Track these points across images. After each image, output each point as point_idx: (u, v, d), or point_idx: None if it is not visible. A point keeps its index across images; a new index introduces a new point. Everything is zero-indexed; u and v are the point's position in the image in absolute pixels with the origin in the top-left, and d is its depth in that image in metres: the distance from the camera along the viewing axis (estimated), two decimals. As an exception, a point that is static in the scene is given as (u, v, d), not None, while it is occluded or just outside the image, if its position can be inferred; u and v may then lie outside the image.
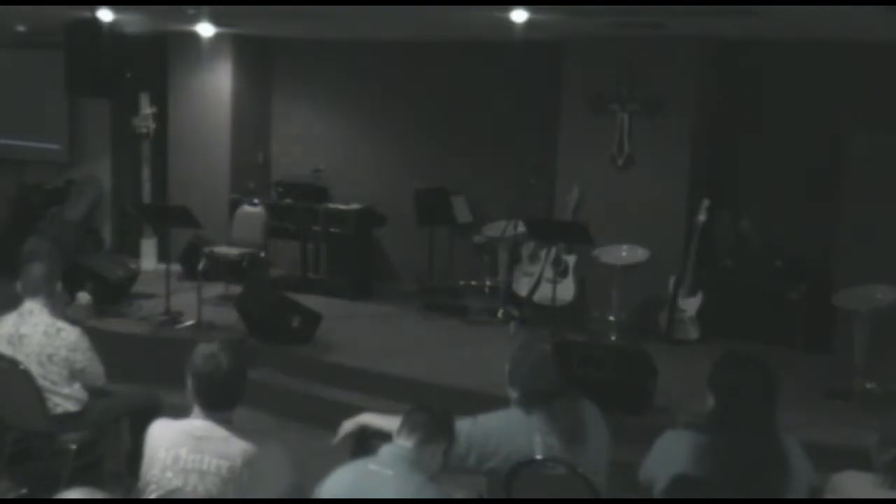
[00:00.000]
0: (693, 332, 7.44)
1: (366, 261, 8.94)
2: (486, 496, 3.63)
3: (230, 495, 3.09)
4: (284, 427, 5.91)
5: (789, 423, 3.25)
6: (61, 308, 4.89)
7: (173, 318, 7.57)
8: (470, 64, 9.00)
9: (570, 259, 7.80)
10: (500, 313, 7.98)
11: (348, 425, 3.74)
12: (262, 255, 8.55)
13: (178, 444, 3.16)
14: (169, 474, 3.14)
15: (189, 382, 3.20)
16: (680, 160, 7.71)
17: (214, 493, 3.09)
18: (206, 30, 8.50)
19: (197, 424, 3.18)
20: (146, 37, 8.84)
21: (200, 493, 3.10)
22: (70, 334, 4.65)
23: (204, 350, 3.21)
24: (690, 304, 7.45)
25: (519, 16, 6.42)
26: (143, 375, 5.88)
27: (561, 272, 7.70)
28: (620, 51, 7.68)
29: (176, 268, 8.50)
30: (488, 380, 5.66)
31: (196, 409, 3.21)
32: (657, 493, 3.18)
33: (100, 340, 4.90)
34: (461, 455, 3.44)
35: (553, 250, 7.80)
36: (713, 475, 3.03)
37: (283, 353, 6.95)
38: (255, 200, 8.77)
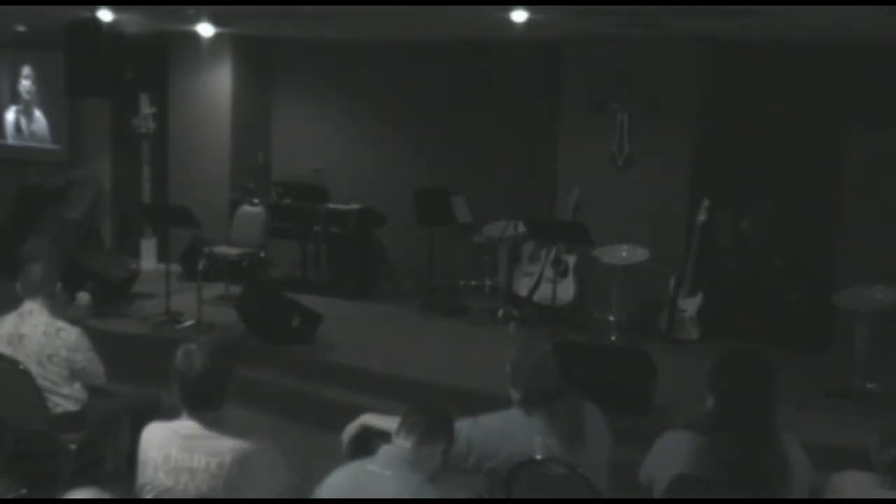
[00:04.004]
0: (693, 332, 7.44)
1: (366, 261, 8.95)
2: (486, 496, 3.62)
3: (220, 492, 3.08)
4: (284, 427, 5.90)
5: (789, 423, 3.24)
6: (61, 308, 4.88)
7: (173, 318, 7.57)
8: (470, 64, 9.01)
9: (570, 259, 7.80)
10: (500, 313, 7.98)
11: (351, 429, 3.74)
12: (262, 255, 8.55)
13: (169, 443, 3.16)
14: (161, 474, 3.14)
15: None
16: (680, 160, 7.72)
17: (205, 491, 3.09)
18: (206, 30, 8.50)
19: (186, 424, 3.18)
20: (146, 37, 8.84)
21: (191, 492, 3.10)
22: (70, 334, 4.64)
23: (182, 349, 3.21)
24: (690, 304, 7.45)
25: (519, 16, 6.42)
26: (143, 375, 5.86)
27: (561, 272, 7.70)
28: (620, 51, 7.68)
29: (176, 268, 8.51)
30: (488, 380, 5.66)
31: (183, 410, 3.21)
32: (657, 493, 3.18)
33: (100, 340, 4.90)
34: (461, 455, 3.44)
35: (553, 250, 7.80)
36: (713, 475, 3.03)
37: (283, 353, 6.95)
38: (255, 200, 8.77)
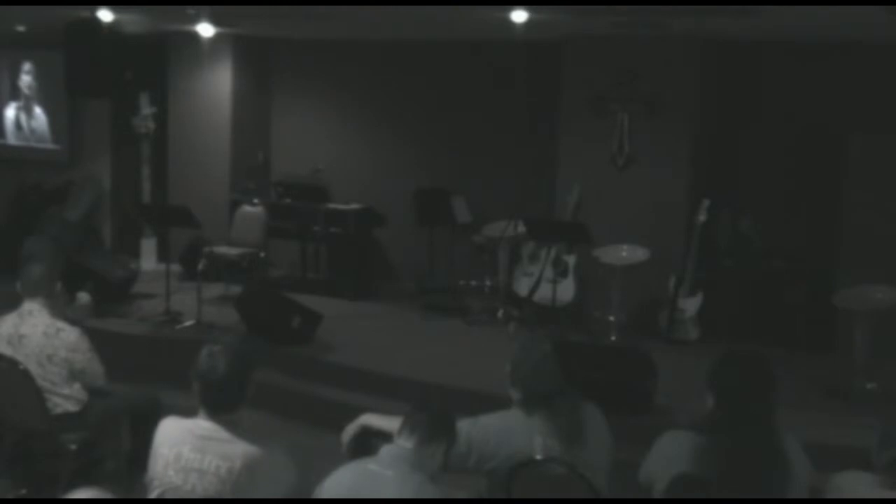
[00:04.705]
0: (693, 332, 7.44)
1: (366, 261, 8.94)
2: (486, 496, 3.62)
3: (227, 496, 3.08)
4: (284, 427, 5.91)
5: (789, 423, 3.25)
6: (61, 308, 4.89)
7: (173, 318, 7.57)
8: (470, 64, 9.01)
9: (570, 259, 7.80)
10: (500, 313, 7.98)
11: (351, 429, 3.74)
12: (262, 255, 8.55)
13: (182, 442, 3.16)
14: (171, 472, 3.14)
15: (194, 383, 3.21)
16: (680, 160, 7.71)
17: (212, 494, 3.09)
18: (206, 30, 8.49)
19: (202, 424, 3.18)
20: (146, 37, 8.83)
21: (198, 493, 3.10)
22: (70, 335, 4.64)
23: (205, 350, 3.21)
24: (690, 304, 7.45)
25: (519, 16, 6.42)
26: (143, 375, 5.89)
27: (561, 272, 7.70)
28: (620, 51, 7.68)
29: (176, 268, 8.51)
30: (488, 380, 5.66)
31: (202, 410, 3.21)
32: (657, 493, 3.18)
33: (100, 340, 4.90)
34: (462, 455, 3.44)
35: (553, 250, 7.80)
36: (713, 475, 3.03)
37: (283, 353, 6.95)
38: (255, 200, 8.77)
